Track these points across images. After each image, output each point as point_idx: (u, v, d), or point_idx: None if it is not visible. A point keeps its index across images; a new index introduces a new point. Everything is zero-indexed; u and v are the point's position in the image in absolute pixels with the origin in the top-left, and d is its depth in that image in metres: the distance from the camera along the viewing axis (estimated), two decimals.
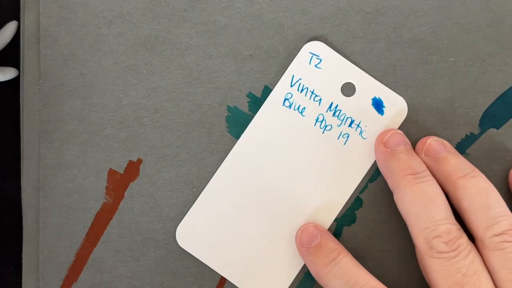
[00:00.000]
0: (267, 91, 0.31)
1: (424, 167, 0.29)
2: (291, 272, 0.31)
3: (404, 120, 0.31)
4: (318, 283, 0.30)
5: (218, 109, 0.31)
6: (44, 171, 0.31)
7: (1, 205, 0.33)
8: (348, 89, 0.31)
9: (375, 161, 0.31)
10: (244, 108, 0.31)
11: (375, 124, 0.31)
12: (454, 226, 0.28)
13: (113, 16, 0.31)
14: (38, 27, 0.31)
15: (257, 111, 0.31)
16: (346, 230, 0.31)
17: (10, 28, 0.32)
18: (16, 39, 0.32)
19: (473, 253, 0.28)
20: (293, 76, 0.31)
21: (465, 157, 0.30)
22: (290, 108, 0.31)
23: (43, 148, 0.31)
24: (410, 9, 0.31)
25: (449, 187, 0.29)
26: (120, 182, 0.32)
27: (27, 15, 0.31)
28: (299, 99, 0.31)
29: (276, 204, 0.31)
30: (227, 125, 0.31)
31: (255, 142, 0.31)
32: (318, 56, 0.31)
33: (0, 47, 0.32)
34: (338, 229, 0.31)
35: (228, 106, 0.31)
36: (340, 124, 0.31)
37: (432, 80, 0.31)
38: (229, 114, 0.31)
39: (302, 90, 0.31)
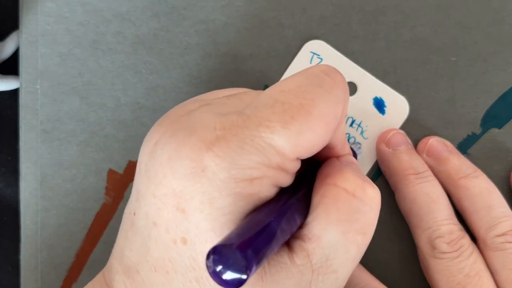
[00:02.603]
0: None
1: (426, 167, 0.29)
2: None
3: (405, 120, 0.31)
4: None
5: None
6: (43, 171, 0.31)
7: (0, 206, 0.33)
8: (349, 88, 0.31)
9: (376, 161, 0.31)
10: None
11: (376, 123, 0.31)
12: (456, 227, 0.28)
13: (112, 15, 0.31)
14: (37, 26, 0.31)
15: None
16: None
17: (13, 40, 0.32)
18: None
19: (476, 254, 0.28)
20: None
21: (467, 157, 0.30)
22: None
23: (42, 148, 0.31)
24: (411, 9, 0.31)
25: (451, 188, 0.29)
26: (119, 182, 0.31)
27: (25, 14, 0.31)
28: None
29: None
30: None
31: None
32: (319, 55, 0.31)
33: (3, 59, 0.32)
34: None
35: None
36: None
37: (433, 79, 0.31)
38: None
39: None
